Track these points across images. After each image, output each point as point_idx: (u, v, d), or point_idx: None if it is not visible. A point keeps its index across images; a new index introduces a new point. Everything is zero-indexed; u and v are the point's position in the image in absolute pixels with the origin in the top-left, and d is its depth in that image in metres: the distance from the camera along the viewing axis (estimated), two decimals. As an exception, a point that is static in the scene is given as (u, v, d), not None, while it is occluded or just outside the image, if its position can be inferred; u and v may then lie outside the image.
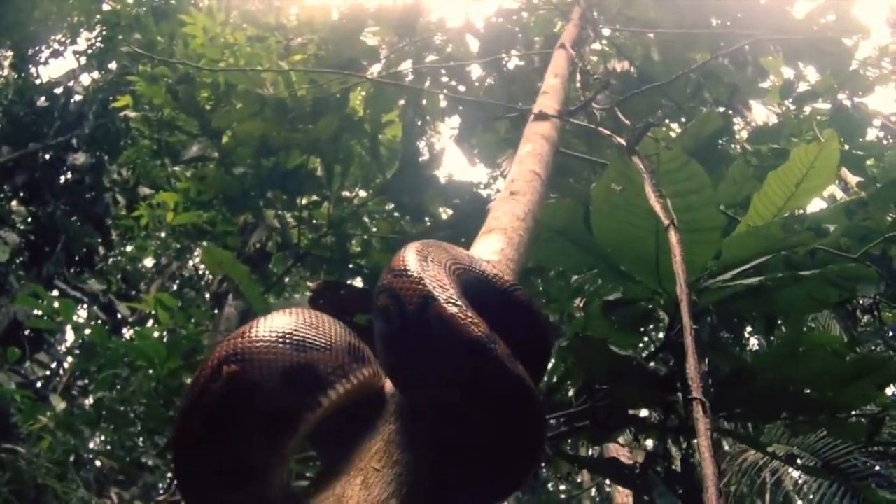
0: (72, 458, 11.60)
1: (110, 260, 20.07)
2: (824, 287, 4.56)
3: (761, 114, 13.03)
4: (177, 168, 10.53)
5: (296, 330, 1.84)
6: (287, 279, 10.06)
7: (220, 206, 8.93)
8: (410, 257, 1.93)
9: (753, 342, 10.82)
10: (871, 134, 12.13)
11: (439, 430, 1.78)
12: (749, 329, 8.61)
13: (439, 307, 1.75)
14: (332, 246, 8.55)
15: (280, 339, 1.80)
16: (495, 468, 1.82)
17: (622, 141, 3.21)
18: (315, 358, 1.81)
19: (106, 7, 18.27)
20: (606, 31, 9.97)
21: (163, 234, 16.17)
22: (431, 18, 9.26)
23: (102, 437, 13.19)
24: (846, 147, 10.14)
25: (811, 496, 12.52)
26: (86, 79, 18.83)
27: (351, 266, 8.52)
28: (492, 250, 2.47)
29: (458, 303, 1.76)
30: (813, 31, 9.28)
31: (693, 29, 9.42)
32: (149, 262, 19.34)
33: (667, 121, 10.80)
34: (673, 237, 2.53)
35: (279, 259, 9.05)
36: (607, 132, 3.32)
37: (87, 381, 16.21)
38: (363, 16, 8.51)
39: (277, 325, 1.85)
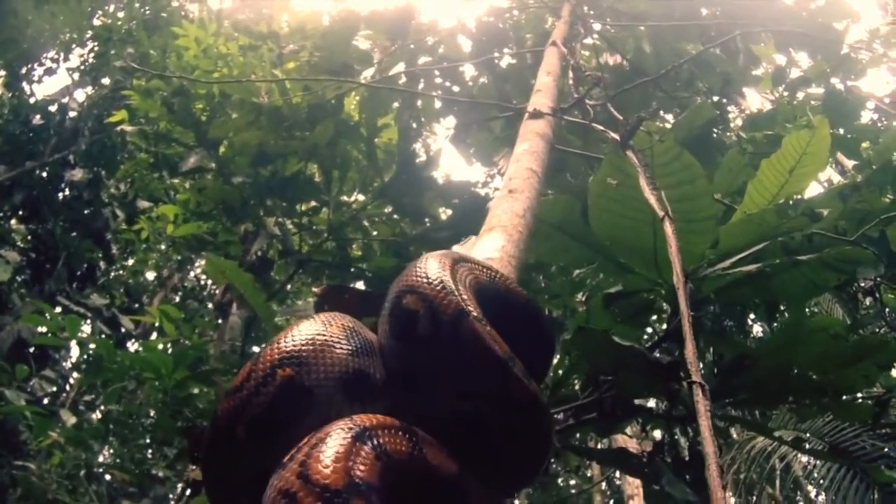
0: (82, 473, 11.66)
1: (112, 274, 20.12)
2: (823, 271, 4.59)
3: (755, 101, 13.10)
4: (175, 180, 10.56)
5: (348, 335, 1.79)
6: (289, 286, 10.10)
7: (220, 215, 8.97)
8: (441, 267, 1.94)
9: (757, 329, 10.85)
10: (865, 117, 12.19)
11: (449, 434, 1.81)
12: (752, 316, 8.66)
13: (472, 323, 1.77)
14: (332, 251, 8.59)
15: (336, 343, 1.75)
16: (504, 469, 1.86)
17: (616, 136, 3.25)
18: (368, 364, 1.77)
19: (97, 22, 18.31)
20: (597, 26, 10.04)
21: (163, 247, 16.21)
22: (423, 20, 9.30)
23: (111, 451, 13.27)
24: (841, 131, 10.22)
25: (821, 481, 12.57)
26: (80, 94, 18.91)
27: (353, 270, 8.56)
28: (493, 247, 2.52)
29: (485, 321, 1.81)
30: (803, 17, 9.33)
31: (683, 19, 9.48)
32: (150, 275, 19.37)
33: (661, 112, 10.86)
34: (668, 228, 2.58)
35: (281, 267, 9.09)
36: (601, 127, 3.37)
37: (93, 396, 16.26)
38: (355, 20, 8.55)
39: (328, 328, 1.79)
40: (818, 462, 13.03)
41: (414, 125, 9.15)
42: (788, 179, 3.90)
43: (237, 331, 9.70)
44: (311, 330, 1.77)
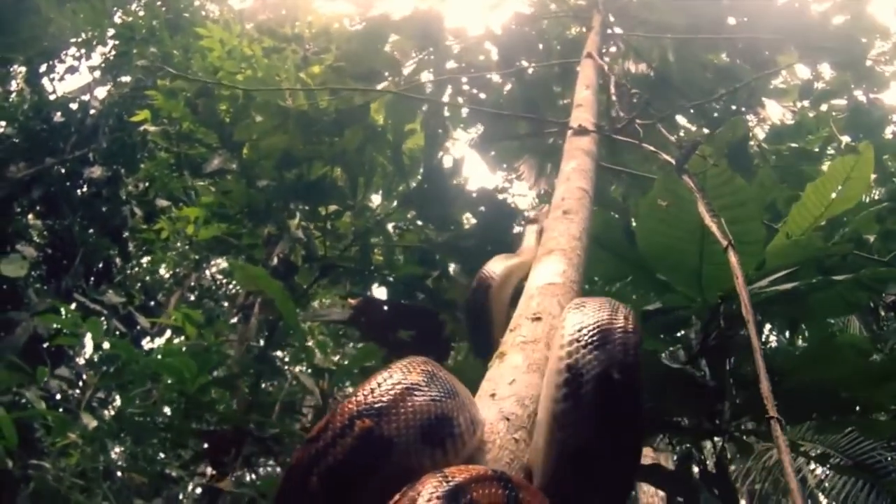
0: (99, 470, 11.64)
1: (128, 271, 20.15)
2: (857, 291, 4.60)
3: (776, 111, 13.07)
4: (197, 182, 10.57)
5: (428, 379, 1.79)
6: (311, 291, 10.11)
7: (243, 219, 8.98)
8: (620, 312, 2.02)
9: (772, 338, 10.83)
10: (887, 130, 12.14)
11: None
12: (769, 326, 8.65)
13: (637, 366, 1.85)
14: (355, 257, 8.59)
15: (416, 389, 1.75)
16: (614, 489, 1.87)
17: (670, 159, 3.25)
18: (451, 408, 1.77)
19: (118, 20, 18.35)
20: (620, 31, 10.02)
21: (179, 245, 16.25)
22: (450, 26, 9.30)
23: (122, 449, 13.27)
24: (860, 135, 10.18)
25: (834, 492, 12.56)
26: (100, 92, 18.95)
27: (376, 276, 8.57)
28: (555, 272, 2.52)
29: None
30: (829, 30, 9.30)
31: (710, 30, 9.47)
32: (165, 272, 19.39)
33: (686, 121, 10.86)
34: (733, 259, 2.57)
35: (304, 271, 9.09)
36: (653, 149, 3.36)
37: (105, 395, 16.23)
38: (383, 25, 8.54)
39: (407, 375, 1.80)
40: (831, 474, 13.03)
41: (440, 131, 9.14)
42: (832, 203, 3.91)
43: (253, 331, 9.71)
44: (391, 379, 1.78)
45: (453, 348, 6.13)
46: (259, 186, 8.67)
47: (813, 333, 5.60)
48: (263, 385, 8.09)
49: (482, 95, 9.10)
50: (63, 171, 18.63)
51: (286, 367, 8.19)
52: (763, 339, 9.05)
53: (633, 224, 4.55)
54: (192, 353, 7.40)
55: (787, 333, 6.32)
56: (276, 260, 8.91)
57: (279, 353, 11.27)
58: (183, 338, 9.14)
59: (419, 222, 8.94)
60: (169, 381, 7.75)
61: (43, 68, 19.25)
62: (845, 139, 10.08)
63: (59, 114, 17.14)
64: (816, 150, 10.34)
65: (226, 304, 18.08)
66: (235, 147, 9.62)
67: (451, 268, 8.25)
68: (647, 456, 10.08)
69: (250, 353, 8.87)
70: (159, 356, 8.08)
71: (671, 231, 3.63)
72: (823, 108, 11.52)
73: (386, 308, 5.99)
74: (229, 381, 7.80)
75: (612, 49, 9.77)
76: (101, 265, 19.53)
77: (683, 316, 4.47)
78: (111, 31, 18.12)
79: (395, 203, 9.20)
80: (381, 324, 5.84)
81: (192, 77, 10.28)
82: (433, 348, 5.77)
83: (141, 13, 18.73)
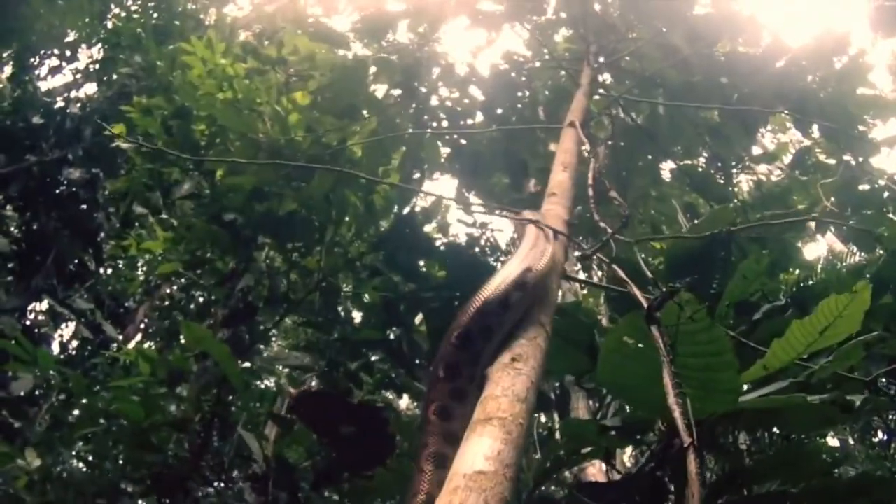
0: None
1: (100, 273, 19.78)
2: (835, 408, 4.38)
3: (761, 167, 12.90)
4: (162, 216, 10.26)
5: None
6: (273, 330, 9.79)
7: (205, 253, 8.68)
8: None
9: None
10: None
11: None
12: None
13: None
14: (319, 304, 8.29)
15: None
16: None
17: (642, 299, 2.99)
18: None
19: (108, 24, 18.02)
20: (610, 83, 9.79)
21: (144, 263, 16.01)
22: (436, 68, 9.05)
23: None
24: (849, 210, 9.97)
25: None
26: (87, 88, 18.63)
27: (337, 326, 8.28)
28: (486, 454, 2.15)
29: None
30: (823, 99, 9.09)
31: (703, 87, 9.23)
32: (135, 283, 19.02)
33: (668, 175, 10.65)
34: (686, 441, 2.32)
35: (267, 312, 8.78)
36: (637, 293, 3.06)
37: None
38: (366, 64, 8.27)
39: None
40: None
41: (416, 174, 8.87)
42: (818, 339, 3.65)
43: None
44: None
45: (397, 447, 5.85)
46: (225, 219, 8.35)
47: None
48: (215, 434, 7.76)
49: (462, 141, 8.82)
50: (42, 169, 18.28)
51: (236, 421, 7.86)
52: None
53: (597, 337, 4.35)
54: (142, 399, 7.09)
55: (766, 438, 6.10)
56: (239, 296, 8.57)
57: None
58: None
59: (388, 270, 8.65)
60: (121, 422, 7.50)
61: (29, 62, 18.94)
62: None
63: (38, 116, 16.78)
64: (801, 207, 10.15)
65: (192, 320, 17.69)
66: (209, 171, 9.34)
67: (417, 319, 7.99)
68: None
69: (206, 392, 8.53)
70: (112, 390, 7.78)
71: (636, 368, 3.42)
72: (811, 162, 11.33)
73: (328, 401, 5.70)
74: (181, 425, 7.47)
75: (596, 97, 9.52)
76: (74, 266, 19.16)
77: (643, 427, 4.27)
78: (99, 35, 17.79)
79: (364, 246, 8.90)
80: (323, 417, 5.54)
81: (167, 98, 9.97)
82: (376, 446, 5.49)
83: (134, 15, 18.43)
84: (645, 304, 2.88)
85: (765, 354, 4.03)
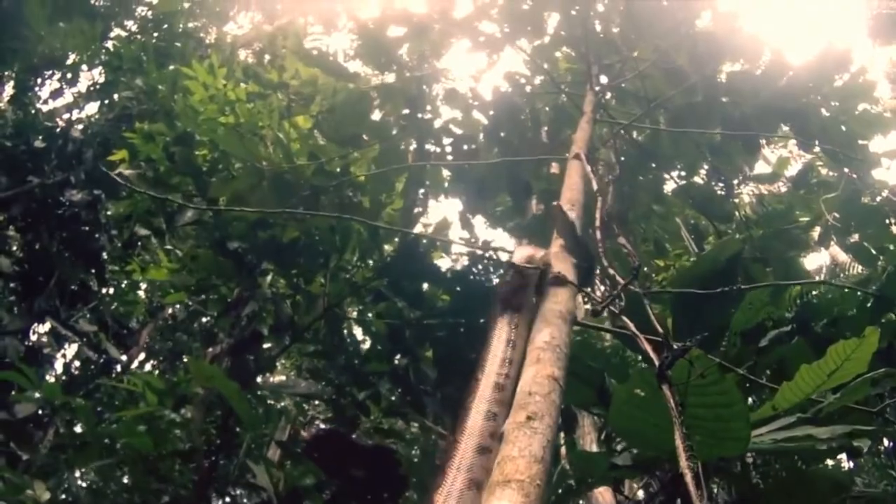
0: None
1: (102, 294, 19.79)
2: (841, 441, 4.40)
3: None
4: (167, 246, 10.29)
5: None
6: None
7: (208, 283, 8.70)
8: None
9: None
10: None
11: None
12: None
13: None
14: (325, 329, 8.30)
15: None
16: None
17: (654, 357, 3.00)
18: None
19: (109, 45, 18.05)
20: (613, 107, 9.80)
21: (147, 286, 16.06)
22: (438, 87, 9.07)
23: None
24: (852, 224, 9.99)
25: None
26: (89, 108, 18.66)
27: (343, 356, 8.28)
28: None
29: None
30: (825, 118, 9.09)
31: (704, 106, 9.23)
32: (140, 303, 19.03)
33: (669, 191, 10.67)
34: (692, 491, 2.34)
35: (273, 339, 8.79)
36: (648, 348, 3.07)
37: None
38: (370, 95, 8.29)
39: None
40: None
41: (420, 199, 8.89)
42: (826, 381, 3.68)
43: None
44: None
45: (408, 487, 5.87)
46: (229, 248, 8.37)
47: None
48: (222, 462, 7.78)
49: (465, 165, 8.84)
50: (44, 191, 18.32)
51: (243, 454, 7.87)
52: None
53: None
54: (149, 429, 7.09)
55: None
56: (244, 322, 8.58)
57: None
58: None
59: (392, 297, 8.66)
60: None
61: (30, 83, 18.99)
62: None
63: (39, 139, 16.80)
64: (805, 221, 10.18)
65: (198, 341, 17.70)
66: (212, 198, 9.35)
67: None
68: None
69: (212, 417, 8.55)
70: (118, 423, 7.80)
71: (647, 417, 3.44)
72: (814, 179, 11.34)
73: (340, 443, 5.71)
74: (189, 454, 7.48)
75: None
76: (77, 287, 19.18)
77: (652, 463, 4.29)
78: (101, 57, 17.83)
79: (369, 271, 8.92)
80: (336, 459, 5.56)
81: (169, 124, 9.99)
82: (387, 486, 5.51)
83: (135, 36, 18.49)
84: (656, 361, 2.88)
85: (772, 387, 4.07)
